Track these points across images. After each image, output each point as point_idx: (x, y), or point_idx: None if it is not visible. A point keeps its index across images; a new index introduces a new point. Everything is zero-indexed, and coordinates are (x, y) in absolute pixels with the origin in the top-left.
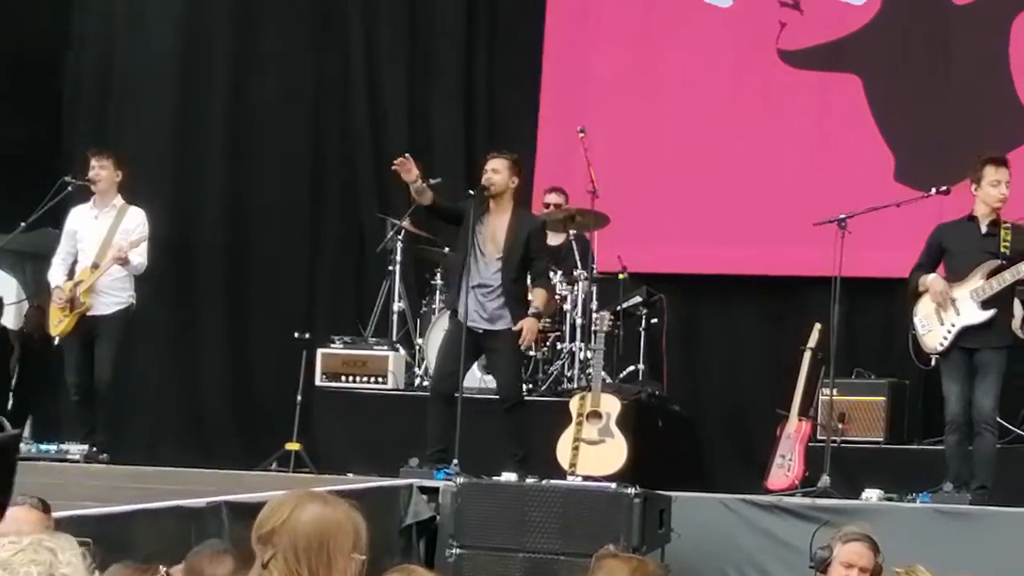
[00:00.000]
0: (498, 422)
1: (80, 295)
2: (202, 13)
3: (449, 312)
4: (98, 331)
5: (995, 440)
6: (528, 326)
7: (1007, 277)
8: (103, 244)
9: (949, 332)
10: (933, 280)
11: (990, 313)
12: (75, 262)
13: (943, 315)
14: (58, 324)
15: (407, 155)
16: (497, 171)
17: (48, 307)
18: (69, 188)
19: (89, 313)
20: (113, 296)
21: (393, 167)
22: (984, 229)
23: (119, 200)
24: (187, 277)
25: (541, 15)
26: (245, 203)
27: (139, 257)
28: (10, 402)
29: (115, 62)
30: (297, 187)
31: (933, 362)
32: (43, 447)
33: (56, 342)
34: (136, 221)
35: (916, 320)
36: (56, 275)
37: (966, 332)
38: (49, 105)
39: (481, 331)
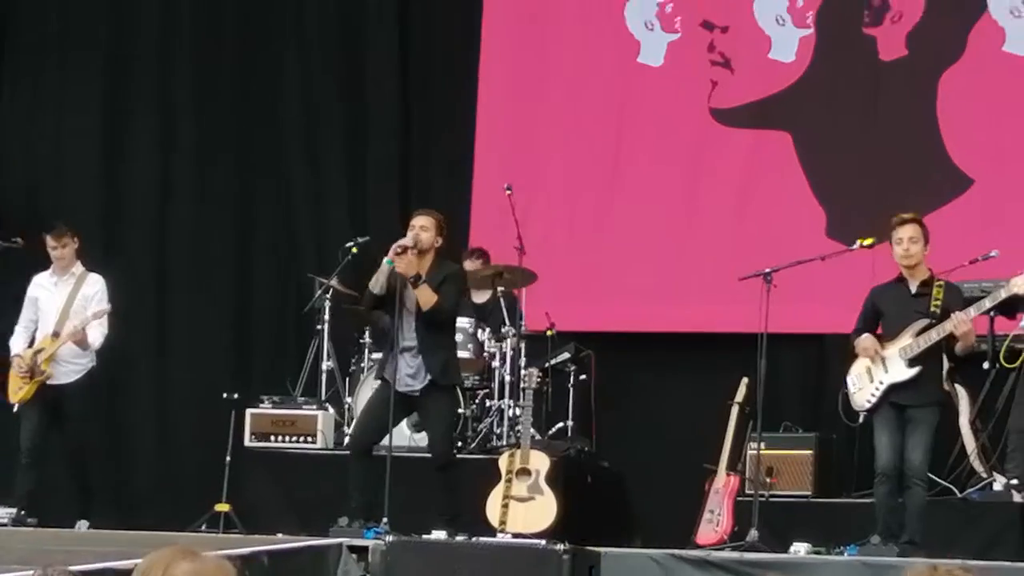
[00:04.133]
0: (428, 480)
1: (41, 363)
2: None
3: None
4: (60, 404)
5: (925, 495)
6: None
7: (933, 336)
8: (63, 312)
9: (877, 389)
10: (864, 338)
11: (916, 370)
12: (36, 330)
13: (873, 372)
14: (18, 391)
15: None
16: (426, 228)
17: (7, 374)
18: None
19: (51, 382)
20: (73, 364)
21: (395, 253)
22: (914, 289)
23: (79, 267)
24: (113, 337)
25: (474, 75)
26: (172, 262)
27: (97, 334)
28: None
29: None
30: (227, 246)
31: (861, 419)
32: None
33: (15, 409)
34: (95, 288)
35: (849, 379)
36: (17, 343)
37: (894, 389)
38: None
39: (415, 393)
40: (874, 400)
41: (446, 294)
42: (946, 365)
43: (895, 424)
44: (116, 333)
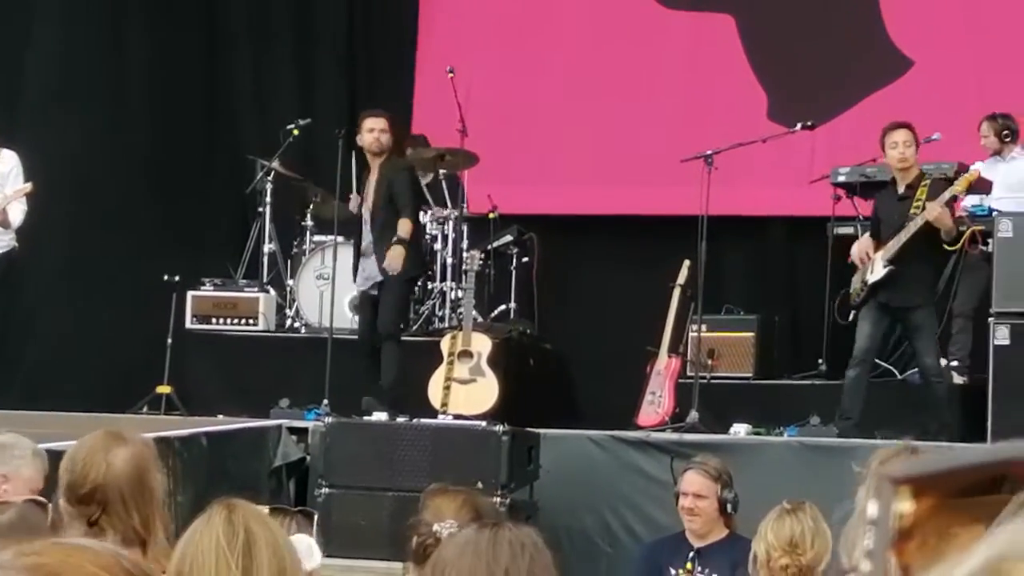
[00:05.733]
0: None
1: None
2: None
3: None
4: None
5: (945, 388)
6: (391, 255)
7: (902, 236)
8: None
9: (862, 289)
10: (857, 242)
11: (887, 270)
12: None
13: (864, 274)
14: None
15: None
16: (385, 131)
17: None
18: None
19: None
20: None
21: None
22: (901, 191)
23: None
24: (54, 218)
25: None
26: (113, 142)
27: (18, 212)
28: None
29: None
30: (168, 130)
31: (851, 317)
32: None
33: None
34: (10, 164)
35: (853, 279)
36: None
37: (877, 288)
38: None
39: (375, 291)
40: (859, 300)
41: (403, 201)
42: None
43: (877, 316)
44: (54, 210)
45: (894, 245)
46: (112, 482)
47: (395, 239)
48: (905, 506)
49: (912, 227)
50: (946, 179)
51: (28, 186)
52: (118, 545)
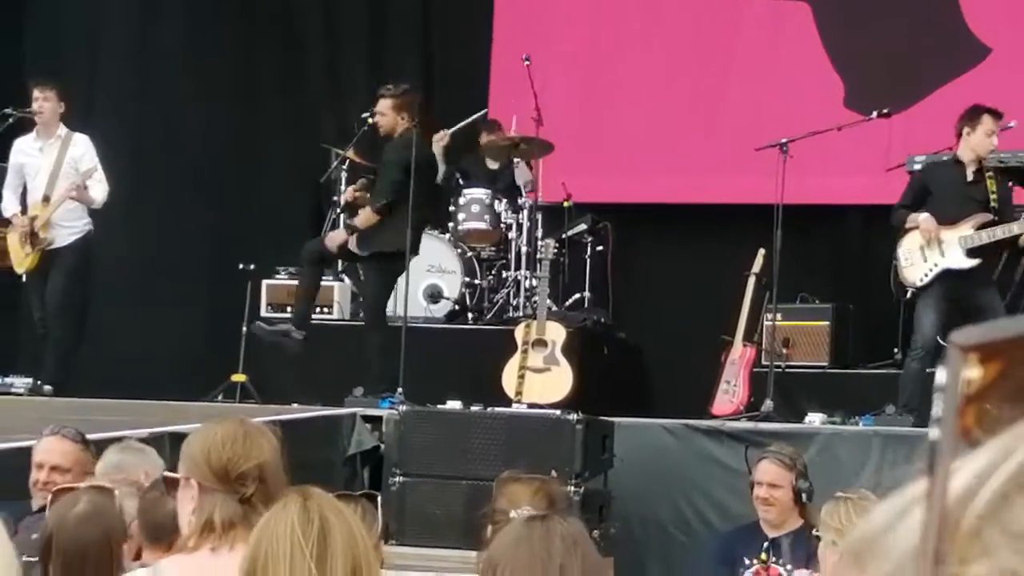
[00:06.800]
0: (444, 350)
1: (40, 230)
2: None
3: None
4: (53, 263)
5: None
6: (332, 235)
7: (997, 233)
8: (52, 175)
9: (931, 271)
10: (926, 218)
11: (974, 261)
12: (24, 193)
13: (927, 253)
14: (23, 260)
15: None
16: (383, 114)
17: (7, 238)
18: (11, 120)
19: (50, 247)
20: (68, 227)
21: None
22: (970, 176)
23: (63, 129)
24: (129, 207)
25: None
26: (189, 131)
27: (99, 191)
28: None
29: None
30: (243, 119)
31: (909, 294)
32: None
33: (23, 278)
34: (82, 148)
35: (899, 252)
36: (9, 205)
37: (949, 274)
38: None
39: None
40: (926, 281)
41: (377, 190)
42: (1004, 256)
43: (943, 304)
44: (130, 199)
45: (986, 237)
46: (272, 460)
47: (348, 222)
48: (973, 372)
49: (1016, 228)
50: (1006, 168)
51: (91, 166)
52: None
